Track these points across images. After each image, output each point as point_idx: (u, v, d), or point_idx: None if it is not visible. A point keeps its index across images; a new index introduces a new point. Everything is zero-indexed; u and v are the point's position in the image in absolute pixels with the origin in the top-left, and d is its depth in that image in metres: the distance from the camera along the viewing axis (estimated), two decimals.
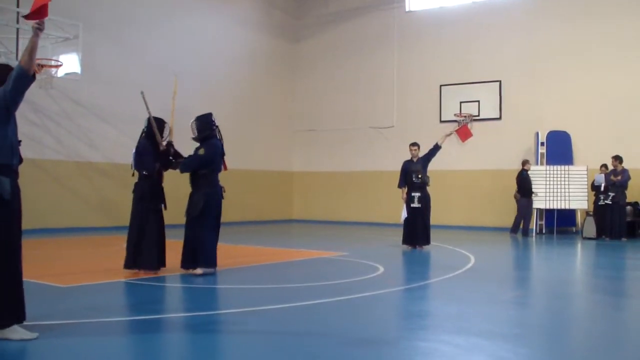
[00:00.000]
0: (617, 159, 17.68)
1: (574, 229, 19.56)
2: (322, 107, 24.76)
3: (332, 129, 24.31)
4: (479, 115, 21.29)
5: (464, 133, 14.53)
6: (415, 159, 14.11)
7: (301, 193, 24.93)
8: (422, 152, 14.15)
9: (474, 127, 21.12)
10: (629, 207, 17.97)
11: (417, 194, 13.86)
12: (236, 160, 21.10)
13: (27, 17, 5.26)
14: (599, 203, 17.64)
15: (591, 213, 17.79)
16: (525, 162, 18.34)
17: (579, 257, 13.88)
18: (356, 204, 23.65)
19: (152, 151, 9.82)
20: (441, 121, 21.92)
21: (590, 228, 17.41)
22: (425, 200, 13.95)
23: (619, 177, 17.43)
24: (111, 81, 17.73)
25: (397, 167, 14.47)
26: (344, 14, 24.59)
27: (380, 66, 23.57)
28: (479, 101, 21.45)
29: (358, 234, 18.64)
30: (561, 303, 7.67)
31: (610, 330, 6.47)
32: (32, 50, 5.19)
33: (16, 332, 5.29)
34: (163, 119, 10.21)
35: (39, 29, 5.19)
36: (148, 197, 9.72)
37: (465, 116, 21.11)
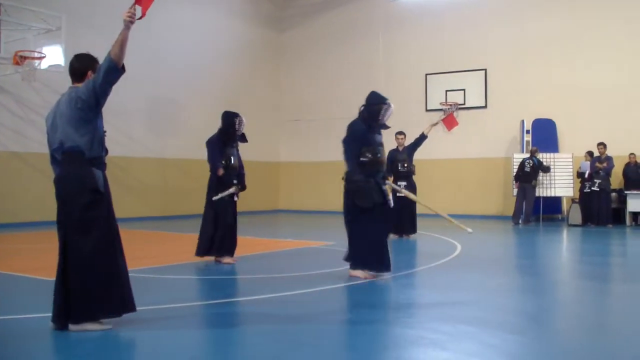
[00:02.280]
0: (602, 145, 17.76)
1: (559, 216, 19.64)
2: (308, 96, 24.71)
3: (318, 119, 24.27)
4: (464, 104, 21.30)
5: (449, 122, 14.51)
6: (401, 148, 14.11)
7: (288, 183, 24.91)
8: (408, 141, 14.14)
9: (460, 115, 21.12)
10: (614, 194, 18.05)
11: (402, 183, 13.85)
12: None
13: (139, 18, 5.21)
14: (585, 190, 17.70)
15: (577, 200, 17.87)
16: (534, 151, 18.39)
17: (565, 244, 13.94)
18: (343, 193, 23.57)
19: (220, 147, 9.82)
20: (427, 110, 21.93)
21: (576, 215, 17.50)
22: (411, 189, 13.93)
23: (604, 164, 17.50)
24: None
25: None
26: (329, 3, 24.53)
27: (366, 55, 23.53)
28: (464, 90, 21.46)
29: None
30: (548, 289, 7.70)
31: (597, 316, 6.51)
32: (122, 42, 5.16)
33: (97, 323, 5.35)
34: (236, 112, 10.00)
35: (130, 22, 5.16)
36: (214, 186, 9.81)
37: (451, 105, 21.13)
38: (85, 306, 5.27)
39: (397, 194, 13.84)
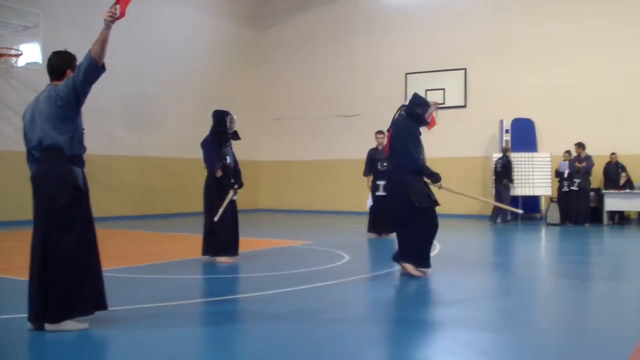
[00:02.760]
0: (580, 145, 17.89)
1: (538, 215, 19.75)
2: (288, 95, 24.68)
3: (299, 118, 24.25)
4: (444, 103, 21.35)
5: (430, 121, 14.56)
6: (381, 147, 14.13)
7: (268, 182, 24.86)
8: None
9: (440, 115, 21.18)
10: (592, 193, 18.17)
11: (382, 182, 13.86)
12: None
13: (118, 18, 5.15)
14: (563, 189, 17.82)
15: (555, 199, 17.98)
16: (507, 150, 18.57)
17: (543, 242, 14.02)
18: (323, 192, 23.63)
19: (216, 148, 9.82)
20: None
21: (554, 214, 17.61)
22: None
23: (584, 164, 17.62)
24: None
25: (364, 155, 14.49)
26: (310, 2, 24.49)
27: (347, 54, 23.54)
28: (444, 89, 21.52)
29: (324, 222, 18.64)
30: (526, 288, 7.74)
31: (574, 314, 6.55)
32: (103, 41, 5.13)
33: (74, 323, 5.31)
34: (227, 111, 10.03)
35: (111, 21, 5.12)
36: (213, 186, 9.78)
37: (434, 103, 21.14)
38: (64, 305, 5.23)
39: (377, 194, 13.94)
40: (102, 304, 5.50)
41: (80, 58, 5.28)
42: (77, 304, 5.30)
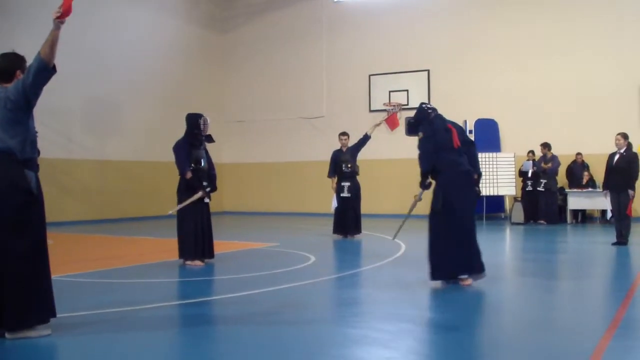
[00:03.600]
0: (546, 146, 18.01)
1: (502, 215, 19.85)
2: (252, 97, 24.55)
3: (262, 120, 24.13)
4: (408, 104, 21.36)
5: (392, 122, 14.60)
6: (344, 149, 14.10)
7: (232, 185, 24.68)
8: (352, 141, 14.14)
9: (404, 116, 21.17)
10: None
11: (346, 184, 13.85)
12: (165, 153, 20.73)
13: (61, 16, 4.96)
14: (527, 189, 17.93)
15: (519, 199, 18.10)
16: None
17: (508, 241, 14.09)
18: (287, 194, 23.56)
19: (187, 150, 9.75)
20: (370, 110, 21.97)
21: (518, 213, 17.73)
22: (355, 189, 13.95)
23: (550, 165, 17.73)
24: None
25: (328, 157, 14.43)
26: (272, 4, 24.41)
27: (310, 56, 23.49)
28: (407, 90, 21.55)
29: (289, 224, 18.57)
30: (490, 286, 7.72)
31: (536, 311, 6.55)
32: (53, 42, 4.99)
33: (34, 330, 5.18)
34: (200, 113, 10.04)
35: (60, 22, 4.97)
36: (183, 189, 9.74)
37: (394, 105, 21.21)
38: (20, 313, 5.09)
39: (342, 195, 13.90)
40: (53, 311, 5.36)
41: (29, 60, 5.14)
42: (34, 311, 5.16)
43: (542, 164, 17.86)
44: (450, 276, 7.73)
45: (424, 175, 8.20)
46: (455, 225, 7.73)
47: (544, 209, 17.67)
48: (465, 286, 7.58)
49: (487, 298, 7.22)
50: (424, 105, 8.44)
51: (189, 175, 9.63)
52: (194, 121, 9.83)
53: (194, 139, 9.79)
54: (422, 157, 8.09)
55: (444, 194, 7.80)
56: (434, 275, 7.75)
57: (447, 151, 7.95)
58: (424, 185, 8.29)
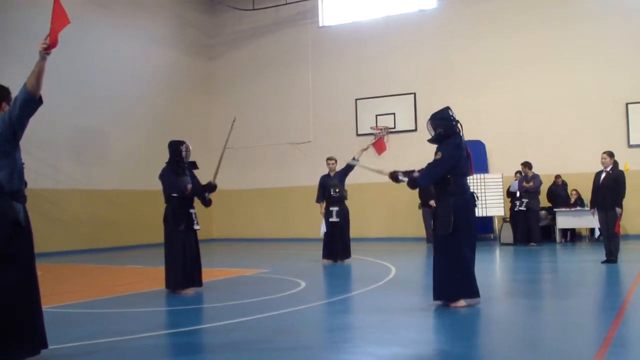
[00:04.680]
0: (527, 165, 18.01)
1: (491, 236, 19.87)
2: (238, 124, 24.46)
3: (250, 146, 24.13)
4: (395, 128, 21.47)
5: (379, 146, 14.61)
6: (332, 173, 14.11)
7: (220, 211, 24.61)
8: (340, 166, 14.16)
9: (391, 139, 21.32)
10: (543, 212, 18.36)
11: (335, 208, 13.85)
12: (152, 181, 20.65)
13: (48, 48, 5.00)
14: (515, 209, 17.95)
15: (507, 219, 18.12)
16: None
17: (498, 262, 14.09)
18: (276, 220, 23.52)
19: (173, 175, 9.81)
20: (358, 134, 22.03)
21: (507, 234, 17.74)
22: (343, 214, 13.94)
23: (531, 184, 17.76)
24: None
25: (316, 182, 14.44)
26: (257, 31, 24.52)
27: (296, 82, 23.57)
28: (394, 113, 21.64)
29: (279, 250, 18.52)
30: (482, 308, 7.72)
31: (531, 333, 6.55)
32: (39, 73, 4.98)
33: None
34: (182, 140, 10.11)
35: (46, 54, 4.99)
36: (170, 218, 9.65)
37: (381, 129, 21.28)
38: (13, 345, 5.03)
39: (330, 220, 13.89)
40: (44, 343, 5.31)
41: (15, 92, 5.13)
42: (18, 344, 5.10)
43: (524, 183, 17.85)
44: (455, 299, 7.71)
45: (416, 187, 8.32)
46: (460, 248, 7.72)
47: (526, 229, 17.56)
48: (457, 308, 7.56)
49: (479, 320, 7.21)
50: (450, 114, 8.07)
51: (189, 188, 9.67)
52: (176, 148, 9.84)
53: (176, 166, 9.77)
54: (428, 174, 8.04)
55: (455, 218, 7.67)
56: (440, 297, 7.76)
57: (464, 176, 7.94)
58: (397, 180, 8.38)
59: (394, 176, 8.39)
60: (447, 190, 7.80)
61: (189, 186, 9.69)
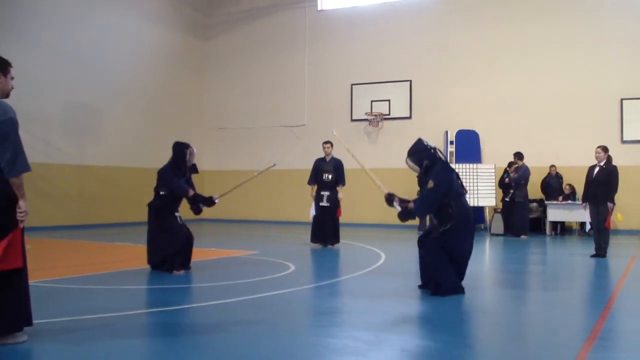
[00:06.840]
0: (517, 155, 17.81)
1: (482, 226, 19.88)
2: (233, 105, 24.49)
3: (244, 128, 24.08)
4: (389, 114, 21.45)
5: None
6: (328, 158, 14.09)
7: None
8: (336, 150, 14.14)
9: (385, 126, 21.34)
10: (534, 204, 18.38)
11: (326, 193, 13.85)
12: (145, 160, 20.65)
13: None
14: (506, 199, 17.91)
15: (499, 210, 18.12)
16: None
17: (487, 253, 14.10)
18: (267, 202, 23.50)
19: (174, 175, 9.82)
20: (352, 120, 22.01)
21: (498, 225, 17.76)
22: (334, 199, 13.93)
23: (514, 174, 17.57)
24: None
25: (308, 166, 14.44)
26: (255, 12, 24.40)
27: (292, 65, 23.49)
28: (389, 100, 21.61)
29: (269, 232, 18.52)
30: (469, 297, 7.73)
31: (518, 323, 6.58)
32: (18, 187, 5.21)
33: (10, 337, 5.12)
34: (187, 143, 10.01)
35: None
36: (155, 211, 9.82)
37: (375, 115, 21.26)
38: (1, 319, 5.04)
39: (321, 204, 13.88)
40: (28, 320, 5.31)
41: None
42: (7, 319, 5.09)
43: (510, 174, 17.72)
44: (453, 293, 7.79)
45: (408, 219, 8.33)
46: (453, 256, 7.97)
47: (512, 220, 17.53)
48: (443, 297, 7.58)
49: (467, 309, 7.22)
50: (425, 144, 8.45)
51: (191, 192, 9.80)
52: (181, 151, 9.80)
53: (177, 169, 9.75)
54: (424, 203, 8.10)
55: (454, 241, 7.93)
56: (440, 292, 7.76)
57: (462, 196, 8.06)
58: (392, 204, 8.50)
59: (389, 199, 8.46)
60: (449, 214, 7.89)
61: (191, 191, 9.81)
